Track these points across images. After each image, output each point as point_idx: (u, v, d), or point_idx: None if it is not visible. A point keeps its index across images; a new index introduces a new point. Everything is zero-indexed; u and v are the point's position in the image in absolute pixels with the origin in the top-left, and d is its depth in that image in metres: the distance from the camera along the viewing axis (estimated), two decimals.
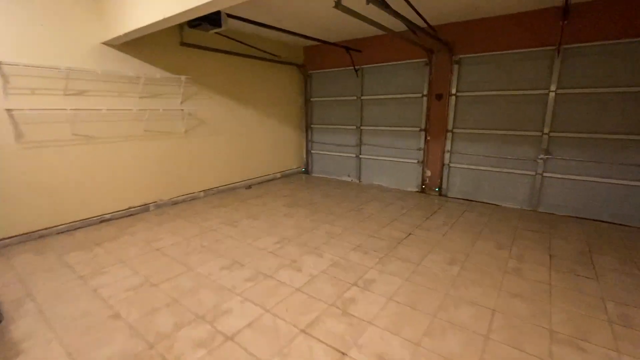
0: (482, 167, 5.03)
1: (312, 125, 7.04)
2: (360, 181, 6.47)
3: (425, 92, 5.35)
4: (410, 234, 3.71)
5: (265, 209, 4.66)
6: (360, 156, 6.38)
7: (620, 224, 4.08)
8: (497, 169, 4.90)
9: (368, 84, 6.00)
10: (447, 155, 5.32)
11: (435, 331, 2.08)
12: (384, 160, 6.07)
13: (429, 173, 5.57)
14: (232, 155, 5.73)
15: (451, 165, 5.32)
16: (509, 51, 4.50)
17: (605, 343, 2.00)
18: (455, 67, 4.97)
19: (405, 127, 5.70)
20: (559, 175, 4.44)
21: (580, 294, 2.52)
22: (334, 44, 5.75)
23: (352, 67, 5.99)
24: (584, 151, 4.22)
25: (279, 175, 6.78)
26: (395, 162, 5.94)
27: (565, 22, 3.92)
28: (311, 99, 6.90)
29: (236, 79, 5.57)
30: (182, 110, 4.78)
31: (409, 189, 5.83)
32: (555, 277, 2.76)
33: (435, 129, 5.35)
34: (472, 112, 4.98)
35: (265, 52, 5.75)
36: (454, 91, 5.06)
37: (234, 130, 5.70)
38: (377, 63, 5.77)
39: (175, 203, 4.89)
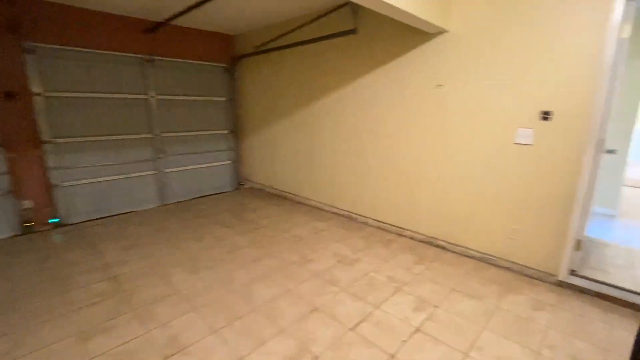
0: (104, 178, 4.47)
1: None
2: None
3: None
4: None
5: None
6: None
7: (215, 194, 5.75)
8: (122, 176, 4.62)
9: None
10: (54, 174, 4.04)
11: None
12: None
13: (28, 204, 3.92)
14: None
15: (63, 184, 4.14)
16: (103, 51, 4.17)
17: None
18: (29, 57, 3.70)
19: None
20: (176, 169, 5.18)
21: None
22: None
23: None
24: (186, 146, 5.25)
25: None
26: None
27: (152, 35, 4.38)
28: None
29: None
30: None
31: None
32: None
33: (20, 141, 3.76)
34: (76, 117, 4.10)
35: None
36: (38, 90, 3.79)
37: None
38: None
39: None
